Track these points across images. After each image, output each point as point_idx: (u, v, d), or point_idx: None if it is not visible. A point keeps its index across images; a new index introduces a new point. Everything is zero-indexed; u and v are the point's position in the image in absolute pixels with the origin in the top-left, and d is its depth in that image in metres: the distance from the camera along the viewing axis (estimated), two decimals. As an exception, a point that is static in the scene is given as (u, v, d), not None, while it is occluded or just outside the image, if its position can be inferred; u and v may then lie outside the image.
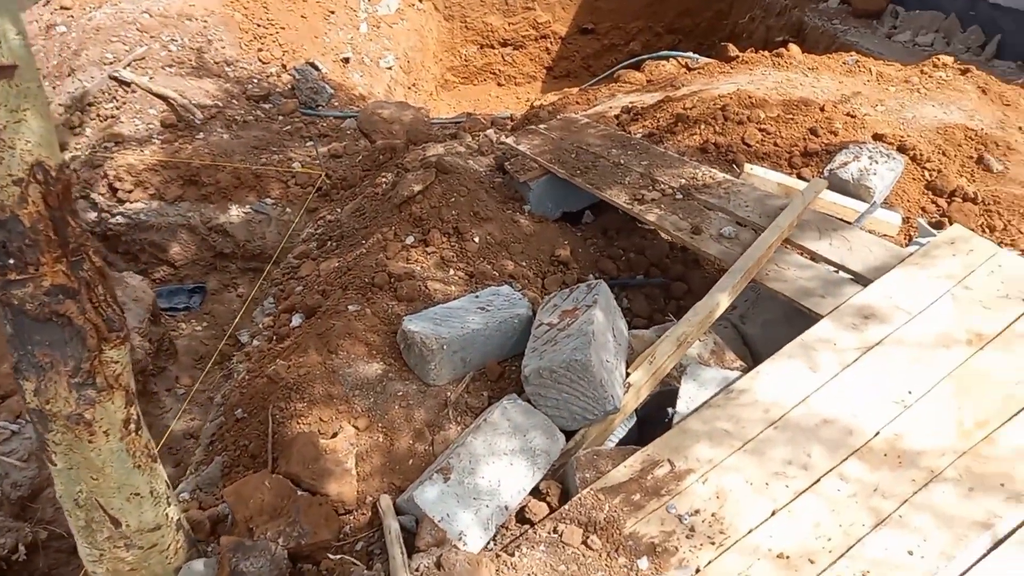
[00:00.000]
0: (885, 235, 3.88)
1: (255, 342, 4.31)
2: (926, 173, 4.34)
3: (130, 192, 5.75)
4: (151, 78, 6.42)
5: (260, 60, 7.23)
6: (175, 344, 5.28)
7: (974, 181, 4.34)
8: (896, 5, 8.02)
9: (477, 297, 3.53)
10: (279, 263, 5.30)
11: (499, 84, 12.05)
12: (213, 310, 5.87)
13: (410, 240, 4.15)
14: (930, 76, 5.14)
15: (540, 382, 2.86)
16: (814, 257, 3.26)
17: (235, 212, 5.81)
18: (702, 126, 4.70)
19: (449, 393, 3.18)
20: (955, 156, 4.44)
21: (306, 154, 6.15)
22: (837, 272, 3.21)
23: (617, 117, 5.25)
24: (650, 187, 4.00)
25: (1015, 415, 2.39)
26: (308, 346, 3.45)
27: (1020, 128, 4.71)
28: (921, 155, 4.37)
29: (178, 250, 5.88)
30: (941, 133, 4.57)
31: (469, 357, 3.26)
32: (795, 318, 3.24)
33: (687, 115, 4.80)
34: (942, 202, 4.19)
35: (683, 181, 3.97)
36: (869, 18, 8.11)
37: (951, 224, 4.05)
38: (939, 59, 5.25)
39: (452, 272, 3.98)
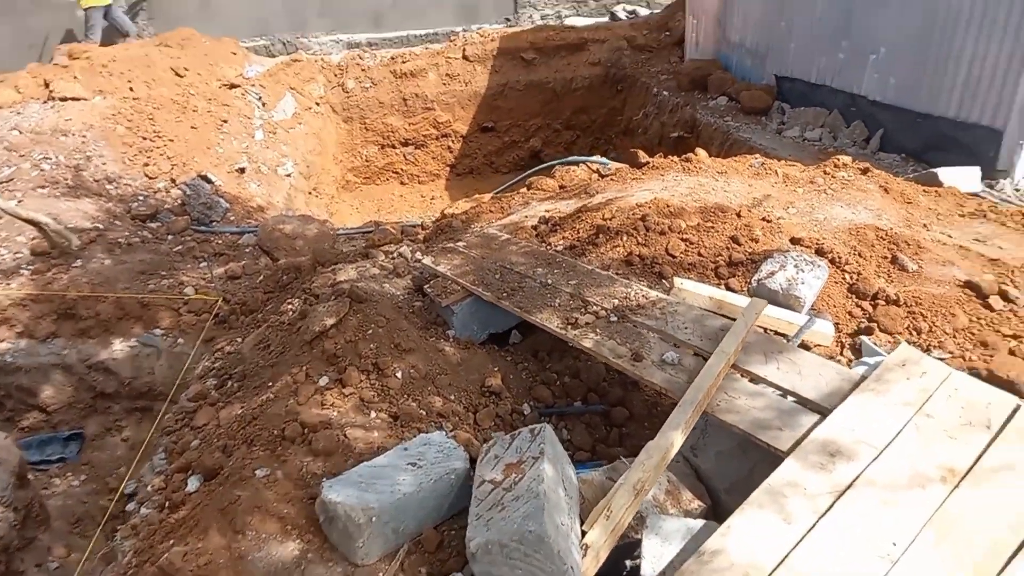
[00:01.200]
0: (819, 345, 3.80)
1: (143, 510, 3.71)
2: (846, 276, 4.35)
3: (-7, 332, 5.06)
4: (20, 201, 5.81)
5: (146, 175, 6.74)
6: (46, 507, 4.55)
7: (892, 282, 4.37)
8: (782, 102, 8.45)
9: (406, 450, 3.15)
10: (174, 401, 4.74)
11: (402, 183, 11.90)
12: (93, 459, 5.16)
13: (324, 381, 3.74)
14: (833, 176, 5.28)
15: (489, 559, 2.49)
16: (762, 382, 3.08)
17: (119, 347, 5.21)
18: (624, 237, 4.58)
19: (381, 574, 2.75)
20: (871, 257, 4.49)
21: (200, 277, 5.66)
22: (785, 397, 3.05)
23: (535, 228, 5.09)
24: (582, 309, 3.79)
25: (1008, 563, 2.21)
26: (209, 524, 2.95)
27: (924, 225, 4.85)
28: (839, 258, 4.39)
29: (51, 393, 5.18)
30: (854, 234, 4.63)
31: (402, 526, 2.85)
32: (750, 448, 3.04)
33: (608, 226, 4.69)
34: (867, 305, 4.18)
35: (616, 301, 3.78)
36: (757, 115, 8.50)
37: (880, 329, 4.06)
38: (839, 159, 5.43)
39: (374, 415, 3.59)
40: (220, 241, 6.20)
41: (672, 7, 11.99)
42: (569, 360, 4.12)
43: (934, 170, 5.80)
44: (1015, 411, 2.64)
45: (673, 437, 2.91)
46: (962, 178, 5.72)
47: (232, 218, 6.63)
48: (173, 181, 6.75)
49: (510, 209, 5.91)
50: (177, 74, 9.20)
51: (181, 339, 5.16)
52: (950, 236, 4.77)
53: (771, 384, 3.06)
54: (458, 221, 5.97)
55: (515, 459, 2.84)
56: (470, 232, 5.55)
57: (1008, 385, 3.53)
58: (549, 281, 4.08)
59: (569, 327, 3.70)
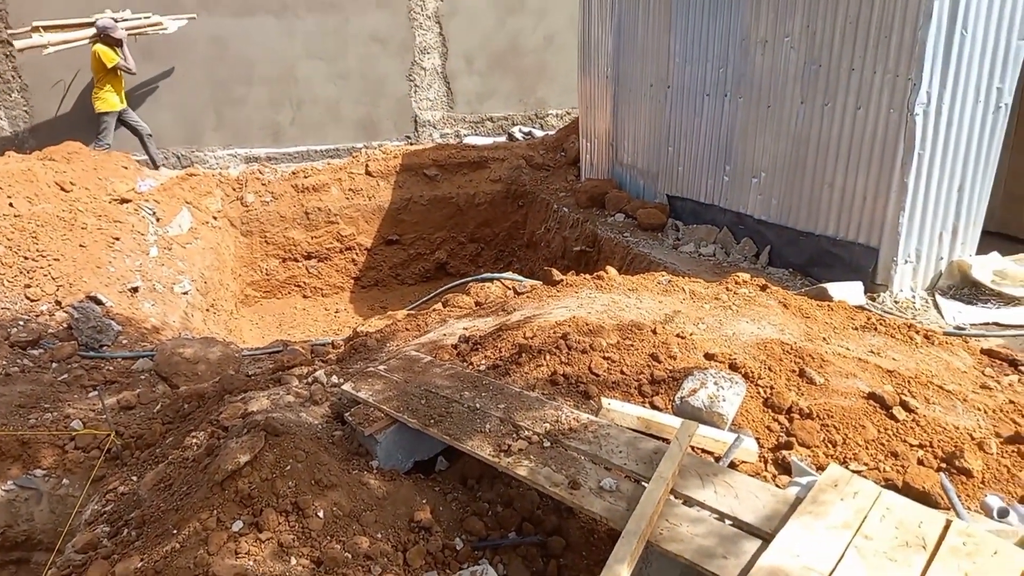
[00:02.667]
0: (744, 462, 3.87)
1: None
2: (760, 390, 4.51)
3: None
4: None
5: (28, 298, 6.25)
6: None
7: (802, 395, 4.57)
8: (675, 219, 8.98)
9: (336, 602, 2.90)
10: (60, 552, 4.20)
11: (304, 296, 11.64)
12: (-49, 627, 4.46)
13: (238, 526, 3.44)
14: (736, 293, 5.58)
15: None
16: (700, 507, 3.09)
17: (-10, 492, 4.63)
18: (547, 356, 4.61)
19: None
20: (780, 371, 4.70)
21: (89, 408, 5.19)
22: (723, 521, 3.05)
23: (456, 347, 5.04)
24: (514, 435, 3.73)
25: None
26: None
27: (824, 339, 5.16)
28: (752, 372, 4.56)
29: (-98, 551, 4.49)
30: (762, 349, 4.86)
31: None
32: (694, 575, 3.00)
33: (530, 345, 4.71)
34: (783, 419, 4.34)
35: (547, 426, 3.74)
36: (654, 231, 8.98)
37: (799, 443, 4.20)
38: (739, 276, 5.76)
39: (295, 562, 3.32)
40: (112, 368, 5.76)
41: (566, 129, 12.73)
42: (500, 487, 4.00)
43: (824, 285, 6.25)
44: (946, 528, 2.74)
45: (620, 570, 2.83)
46: (848, 292, 6.19)
47: (125, 342, 6.21)
48: (58, 303, 6.29)
49: (427, 327, 5.85)
50: (63, 189, 8.77)
51: (66, 479, 4.66)
52: (848, 349, 5.09)
53: (709, 509, 3.06)
54: (372, 340, 5.84)
55: (460, 607, 2.67)
56: (387, 352, 5.43)
57: (924, 496, 3.70)
58: (477, 405, 4.01)
59: (502, 454, 3.61)
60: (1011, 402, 4.68)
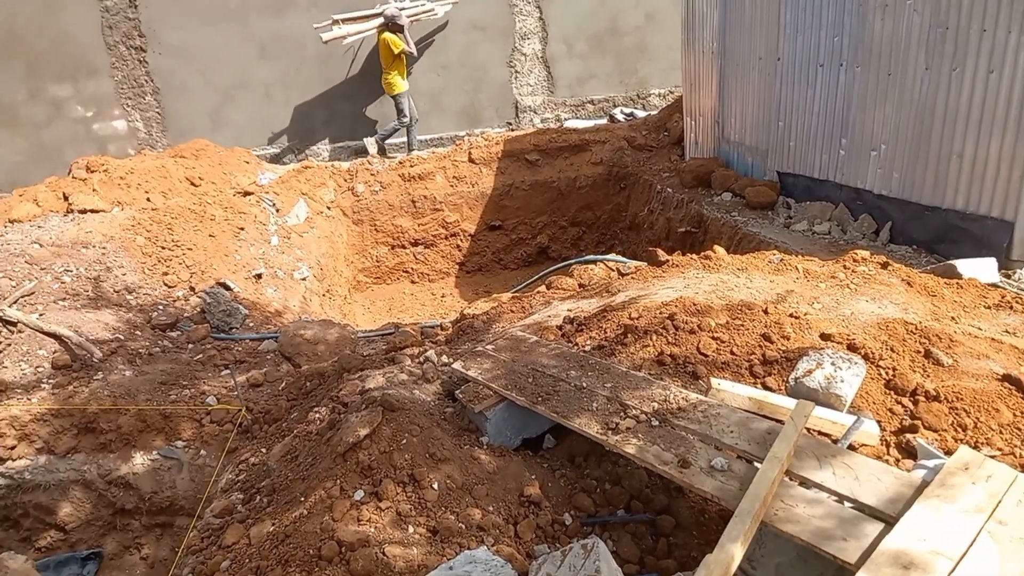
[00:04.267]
0: (864, 445, 3.73)
1: (171, 640, 3.53)
2: (881, 372, 4.31)
3: (12, 448, 4.95)
4: (41, 315, 5.82)
5: (165, 284, 6.78)
6: (61, 636, 4.33)
7: (928, 377, 4.33)
8: (786, 197, 8.65)
9: (451, 569, 3.03)
10: (199, 517, 4.58)
11: (412, 282, 12.00)
12: (110, 581, 4.96)
13: (359, 495, 3.64)
14: (854, 271, 5.34)
15: None
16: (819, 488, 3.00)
17: (139, 460, 5.09)
18: (653, 336, 4.57)
19: None
20: (903, 352, 4.47)
21: (222, 385, 5.60)
22: (843, 503, 2.95)
23: (560, 328, 5.08)
24: (621, 413, 3.74)
25: None
26: (249, 657, 2.80)
27: (953, 318, 4.86)
28: (872, 353, 4.36)
29: (69, 511, 5.03)
30: (883, 329, 4.63)
31: (455, 656, 2.70)
32: (811, 559, 2.93)
33: (635, 325, 4.69)
34: (907, 402, 4.13)
35: (655, 405, 3.73)
36: (763, 209, 8.67)
37: (924, 427, 3.99)
38: (858, 253, 5.50)
39: (412, 530, 3.47)
40: (240, 348, 6.17)
41: (668, 108, 12.46)
42: (608, 466, 4.03)
43: (952, 262, 5.86)
44: (1091, 515, 2.56)
45: (733, 550, 2.80)
46: (980, 269, 5.78)
47: (251, 324, 6.63)
48: (192, 289, 6.79)
49: (531, 309, 5.92)
50: (193, 184, 9.42)
51: (203, 450, 5.05)
52: (980, 329, 4.77)
53: (828, 490, 2.97)
54: (479, 321, 5.97)
55: (571, 578, 2.73)
56: (493, 333, 5.54)
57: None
58: (584, 384, 4.04)
59: (610, 432, 3.63)
60: None
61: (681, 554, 3.59)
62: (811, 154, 8.34)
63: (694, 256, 5.71)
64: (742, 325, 4.49)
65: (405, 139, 12.72)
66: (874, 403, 4.13)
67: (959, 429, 3.98)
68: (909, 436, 3.91)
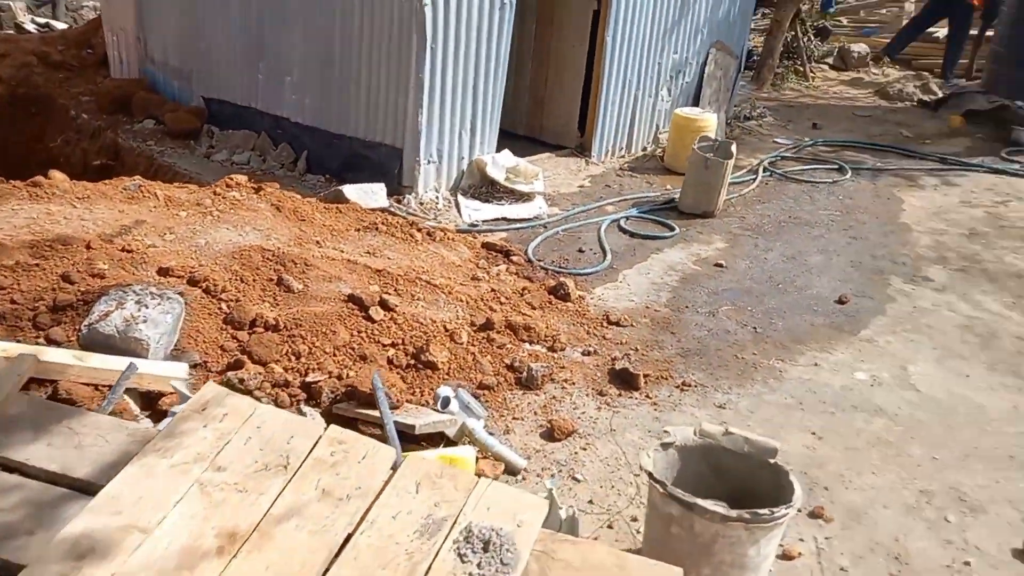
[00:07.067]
0: (172, 393, 3.15)
1: None
2: (223, 305, 3.83)
3: None
4: None
5: None
6: None
7: (277, 305, 4.00)
8: (211, 125, 7.84)
9: None
10: None
11: None
12: None
13: None
14: (223, 197, 4.78)
15: None
16: (26, 472, 2.25)
17: None
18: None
19: None
20: (254, 281, 4.06)
21: None
22: (57, 484, 2.27)
23: None
24: None
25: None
26: None
27: (317, 242, 4.64)
28: (215, 286, 3.85)
29: None
30: (238, 258, 4.16)
31: None
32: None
33: None
34: (243, 335, 3.71)
35: None
36: (185, 138, 7.73)
37: (253, 360, 3.61)
38: (232, 178, 4.98)
39: None
40: None
41: (95, 21, 10.50)
42: None
43: (341, 187, 5.77)
44: (318, 440, 2.30)
45: None
46: (368, 194, 5.81)
47: None
48: None
49: None
50: None
51: None
52: (342, 251, 4.65)
53: (34, 469, 2.24)
54: None
55: None
56: None
57: (367, 397, 3.37)
58: None
59: None
60: (493, 290, 4.69)
61: None
62: (234, 79, 7.63)
63: (18, 182, 4.48)
64: (38, 265, 3.51)
65: None
66: (206, 341, 3.60)
67: (292, 357, 3.70)
68: (232, 374, 3.48)
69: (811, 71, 12.36)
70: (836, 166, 7.97)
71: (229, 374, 3.47)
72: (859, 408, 3.93)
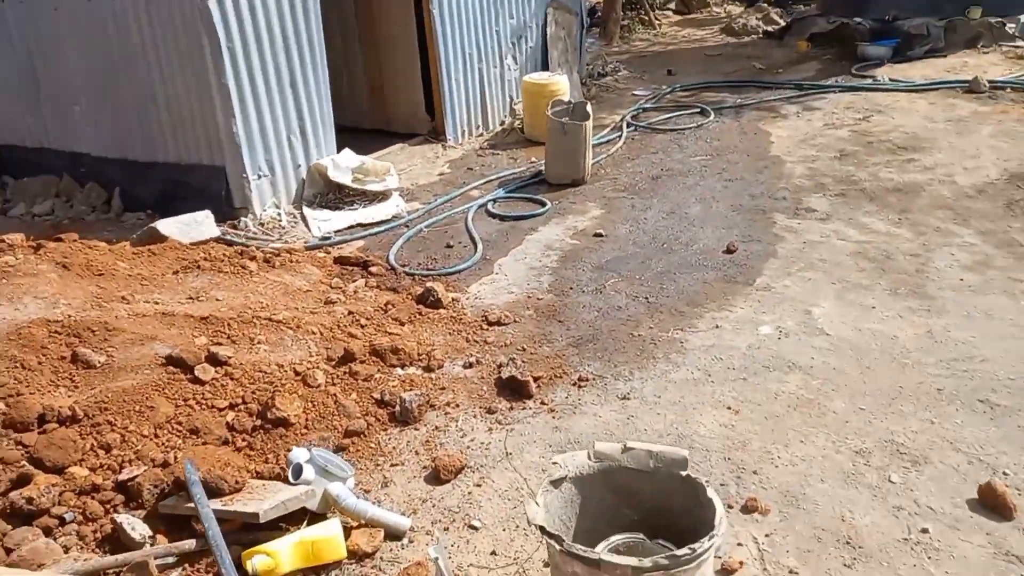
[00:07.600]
0: None
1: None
2: (2, 404, 3.01)
3: None
4: None
5: None
6: None
7: (76, 388, 3.21)
8: (5, 176, 6.71)
9: None
10: None
11: None
12: None
13: None
14: (-6, 265, 3.87)
15: None
16: None
17: None
18: None
19: None
20: (40, 365, 3.25)
21: None
22: None
23: None
24: None
25: None
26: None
27: (123, 298, 3.83)
28: (-17, 382, 3.01)
29: None
30: (15, 340, 3.32)
31: None
32: None
33: None
34: (29, 438, 2.92)
35: None
36: (-27, 196, 6.57)
37: (46, 469, 2.83)
38: (3, 239, 4.06)
39: None
40: None
41: None
42: None
43: (155, 224, 4.92)
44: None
45: None
46: (190, 227, 4.98)
47: None
48: None
49: None
50: None
51: None
52: (156, 303, 3.86)
53: None
54: None
55: None
56: None
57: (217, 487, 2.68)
58: None
59: None
60: (351, 312, 4.02)
61: None
62: (16, 119, 6.54)
63: None
64: None
65: None
66: (-25, 459, 2.78)
67: (100, 452, 2.94)
68: (16, 494, 2.70)
69: (656, 18, 12.22)
70: (698, 109, 7.72)
71: (12, 495, 2.68)
72: (771, 367, 3.56)
